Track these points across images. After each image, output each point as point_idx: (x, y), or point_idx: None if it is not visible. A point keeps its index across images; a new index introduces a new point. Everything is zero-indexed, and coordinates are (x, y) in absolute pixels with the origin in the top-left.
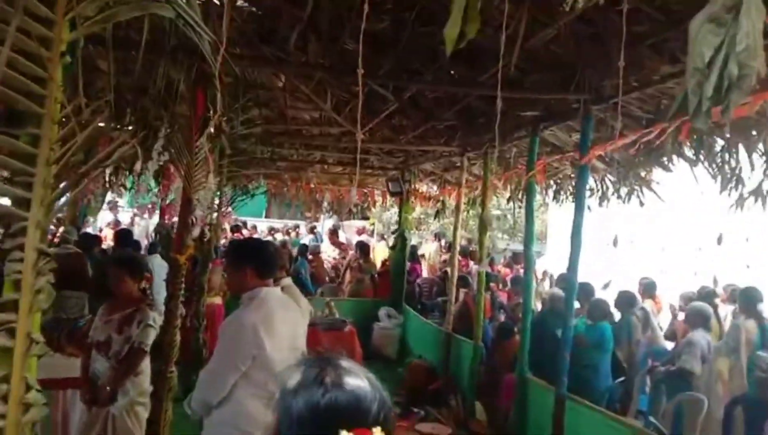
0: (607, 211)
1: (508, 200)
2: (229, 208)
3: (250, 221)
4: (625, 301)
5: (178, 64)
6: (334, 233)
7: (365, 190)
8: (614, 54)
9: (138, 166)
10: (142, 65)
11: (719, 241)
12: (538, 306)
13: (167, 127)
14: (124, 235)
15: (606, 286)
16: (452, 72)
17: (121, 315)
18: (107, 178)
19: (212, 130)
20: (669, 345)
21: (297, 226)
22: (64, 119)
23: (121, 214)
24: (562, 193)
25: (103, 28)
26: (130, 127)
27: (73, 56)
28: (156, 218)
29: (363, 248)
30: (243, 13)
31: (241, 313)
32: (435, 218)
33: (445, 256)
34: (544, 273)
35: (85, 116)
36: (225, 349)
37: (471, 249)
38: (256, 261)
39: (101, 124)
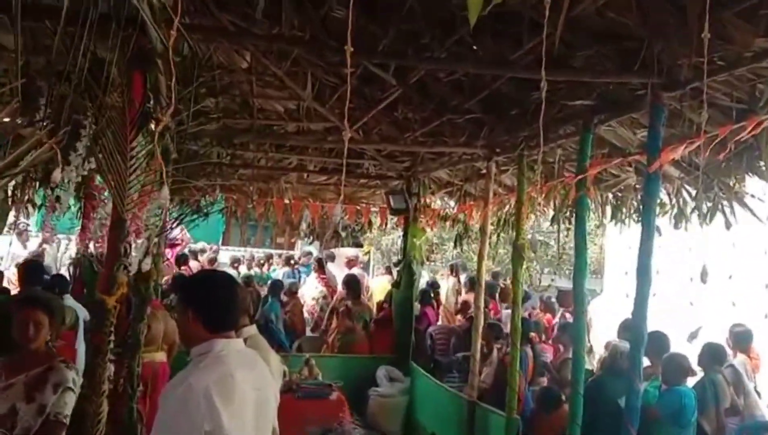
0: (687, 233)
1: (552, 221)
2: (183, 233)
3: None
4: (710, 356)
5: (108, 39)
6: (321, 266)
7: (358, 207)
8: (693, 23)
9: (57, 175)
10: (60, 40)
11: None
12: (593, 364)
13: (93, 122)
14: (32, 269)
15: (694, 336)
16: (475, 47)
17: (28, 377)
18: (10, 192)
19: (153, 126)
20: None
21: (270, 257)
22: None
23: (30, 240)
24: (623, 210)
25: None
26: (43, 123)
27: None
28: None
29: (352, 285)
30: None
31: (189, 374)
32: (455, 245)
33: (466, 297)
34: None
35: None
36: (167, 423)
37: (501, 286)
38: (204, 306)
39: (6, 119)
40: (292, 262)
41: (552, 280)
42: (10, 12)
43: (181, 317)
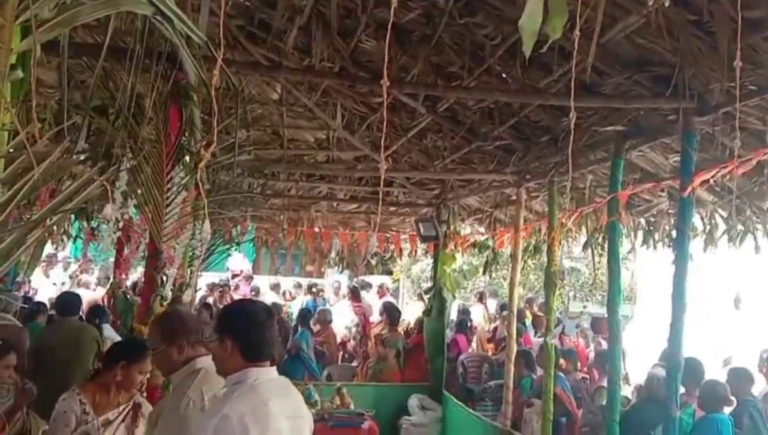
0: (717, 258)
1: (584, 247)
2: (246, 269)
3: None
4: (740, 381)
5: (145, 74)
6: (355, 295)
7: (387, 235)
8: (724, 48)
9: (108, 211)
10: (98, 77)
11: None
12: (627, 392)
13: (131, 157)
14: (69, 301)
15: (727, 362)
16: (504, 75)
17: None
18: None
19: (188, 159)
20: None
21: (299, 286)
22: (11, 150)
23: (54, 270)
24: (656, 235)
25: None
26: (82, 158)
27: (24, 70)
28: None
29: (392, 312)
30: (226, 4)
31: (223, 404)
32: (484, 272)
33: (495, 324)
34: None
35: (39, 147)
36: None
37: (534, 313)
38: (244, 335)
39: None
40: (314, 290)
41: (584, 306)
42: (51, 50)
43: (218, 346)
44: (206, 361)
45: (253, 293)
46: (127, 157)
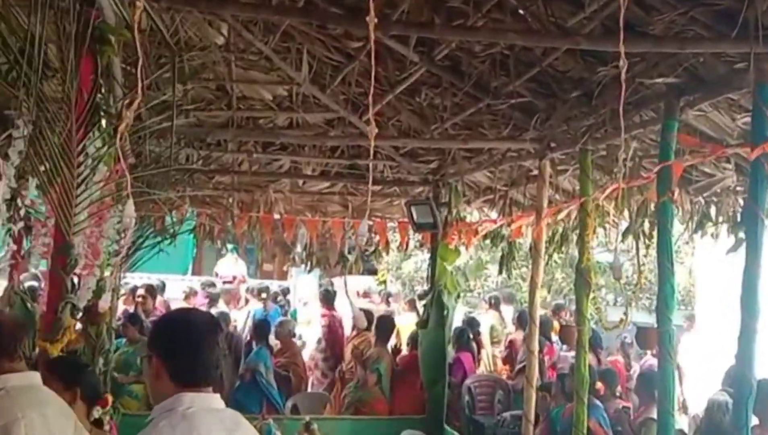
0: None
1: (624, 235)
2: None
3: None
4: None
5: (48, 12)
6: (328, 301)
7: (369, 222)
8: None
9: None
10: None
11: None
12: (683, 424)
13: (30, 118)
14: None
15: None
16: (521, 12)
17: None
18: None
19: (106, 122)
20: None
21: (266, 289)
22: None
23: None
24: (719, 219)
25: None
26: None
27: None
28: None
29: (384, 326)
30: None
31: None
32: (500, 271)
33: (514, 336)
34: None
35: None
36: None
37: (561, 322)
38: (171, 354)
39: None
40: (264, 296)
41: (624, 313)
42: None
43: (147, 366)
44: (19, 379)
45: (208, 301)
46: (25, 121)
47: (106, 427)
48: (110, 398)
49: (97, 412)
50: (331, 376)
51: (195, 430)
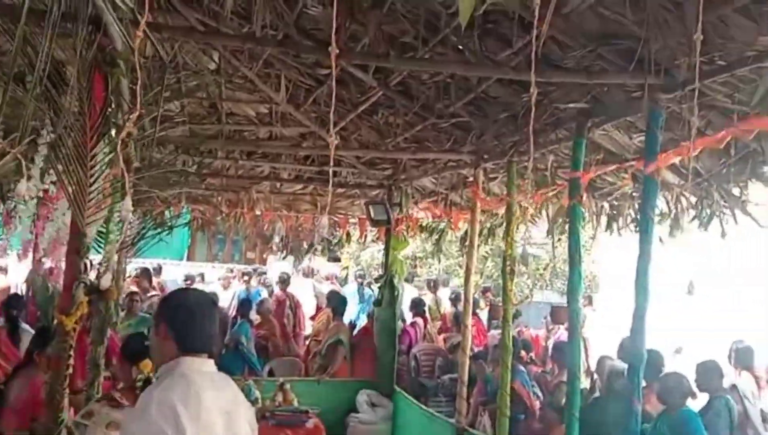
0: (674, 245)
1: (548, 232)
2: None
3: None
4: (711, 374)
5: (66, 39)
6: (283, 283)
7: (335, 218)
8: (692, 21)
9: (22, 188)
10: (16, 40)
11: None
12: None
13: (51, 129)
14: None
15: (677, 351)
16: (461, 47)
17: None
18: None
19: (114, 132)
20: None
21: (249, 273)
22: None
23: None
24: (620, 219)
25: None
26: None
27: None
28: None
29: (337, 302)
30: None
31: (152, 391)
32: (434, 256)
33: (447, 312)
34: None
35: None
36: None
37: (490, 302)
38: (178, 323)
39: None
40: (246, 278)
41: (530, 291)
42: None
43: (154, 333)
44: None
45: (188, 282)
46: (47, 130)
47: None
48: None
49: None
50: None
51: (192, 387)
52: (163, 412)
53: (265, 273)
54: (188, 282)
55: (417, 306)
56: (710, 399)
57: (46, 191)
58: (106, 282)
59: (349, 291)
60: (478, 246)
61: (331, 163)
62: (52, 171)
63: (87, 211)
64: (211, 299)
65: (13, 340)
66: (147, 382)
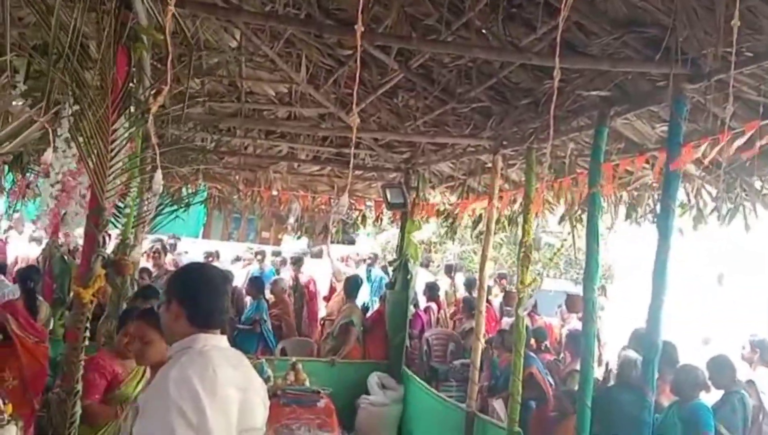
0: (701, 235)
1: (561, 219)
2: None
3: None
4: (723, 370)
5: (91, 13)
6: (298, 266)
7: (351, 201)
8: (721, 10)
9: (48, 156)
10: (38, 13)
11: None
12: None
13: (73, 102)
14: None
15: (706, 341)
16: (484, 31)
17: None
18: None
19: (134, 107)
20: None
21: (262, 252)
22: None
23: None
24: (639, 210)
25: None
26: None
27: None
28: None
29: (350, 284)
30: None
31: (169, 369)
32: (449, 238)
33: (461, 297)
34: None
35: None
36: (149, 421)
37: (505, 288)
38: (190, 299)
39: None
40: (259, 257)
41: (539, 275)
42: None
43: (165, 310)
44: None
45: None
46: (69, 103)
47: None
48: None
49: None
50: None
51: (210, 364)
52: (181, 390)
53: (279, 253)
54: (209, 259)
55: (431, 290)
56: (725, 394)
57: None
58: (137, 255)
59: (360, 273)
60: (495, 233)
61: (353, 144)
62: (73, 145)
63: (107, 186)
64: (223, 274)
65: (30, 312)
66: None
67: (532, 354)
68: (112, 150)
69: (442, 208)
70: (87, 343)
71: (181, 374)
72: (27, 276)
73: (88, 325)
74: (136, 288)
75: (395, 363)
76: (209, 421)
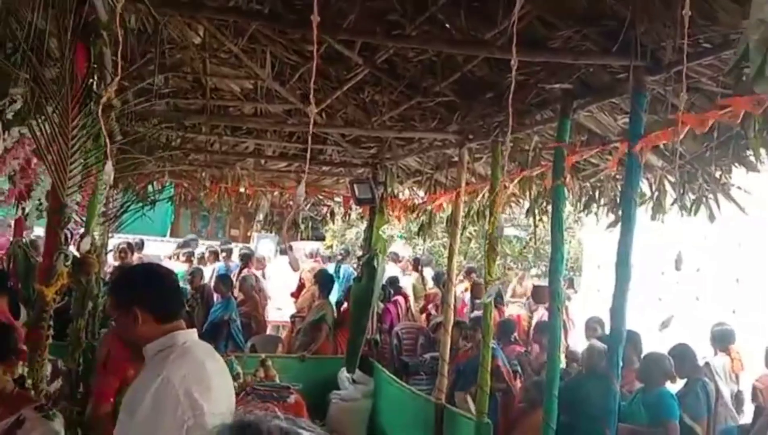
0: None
1: (527, 213)
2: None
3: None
4: (685, 358)
5: (48, 7)
6: (248, 261)
7: (320, 196)
8: (678, 2)
9: None
10: None
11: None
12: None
13: (29, 97)
14: None
15: (665, 324)
16: (447, 25)
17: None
18: None
19: (94, 103)
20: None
21: (228, 250)
22: None
23: None
24: (601, 201)
25: None
26: None
27: None
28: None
29: (323, 279)
30: None
31: (160, 369)
32: (419, 235)
33: (431, 291)
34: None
35: None
36: (143, 425)
37: (472, 283)
38: (153, 299)
39: None
40: (224, 255)
41: (508, 269)
42: None
43: (124, 317)
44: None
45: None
46: (23, 96)
47: None
48: None
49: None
50: None
51: (197, 359)
52: (177, 396)
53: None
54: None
55: (392, 284)
56: (687, 382)
57: (28, 162)
58: (86, 245)
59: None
60: (464, 227)
61: (311, 130)
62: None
63: (68, 183)
64: (164, 267)
65: (12, 313)
66: None
67: (494, 345)
68: (72, 146)
69: (414, 205)
70: (50, 341)
71: (175, 375)
72: (5, 276)
73: (51, 322)
74: (102, 287)
75: (350, 355)
76: (207, 421)
